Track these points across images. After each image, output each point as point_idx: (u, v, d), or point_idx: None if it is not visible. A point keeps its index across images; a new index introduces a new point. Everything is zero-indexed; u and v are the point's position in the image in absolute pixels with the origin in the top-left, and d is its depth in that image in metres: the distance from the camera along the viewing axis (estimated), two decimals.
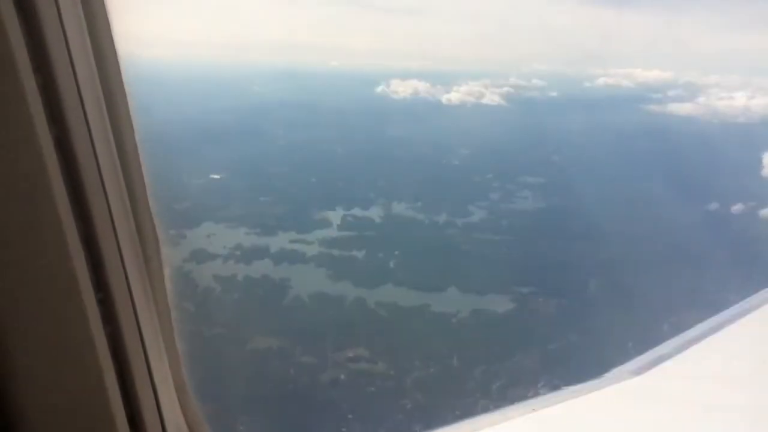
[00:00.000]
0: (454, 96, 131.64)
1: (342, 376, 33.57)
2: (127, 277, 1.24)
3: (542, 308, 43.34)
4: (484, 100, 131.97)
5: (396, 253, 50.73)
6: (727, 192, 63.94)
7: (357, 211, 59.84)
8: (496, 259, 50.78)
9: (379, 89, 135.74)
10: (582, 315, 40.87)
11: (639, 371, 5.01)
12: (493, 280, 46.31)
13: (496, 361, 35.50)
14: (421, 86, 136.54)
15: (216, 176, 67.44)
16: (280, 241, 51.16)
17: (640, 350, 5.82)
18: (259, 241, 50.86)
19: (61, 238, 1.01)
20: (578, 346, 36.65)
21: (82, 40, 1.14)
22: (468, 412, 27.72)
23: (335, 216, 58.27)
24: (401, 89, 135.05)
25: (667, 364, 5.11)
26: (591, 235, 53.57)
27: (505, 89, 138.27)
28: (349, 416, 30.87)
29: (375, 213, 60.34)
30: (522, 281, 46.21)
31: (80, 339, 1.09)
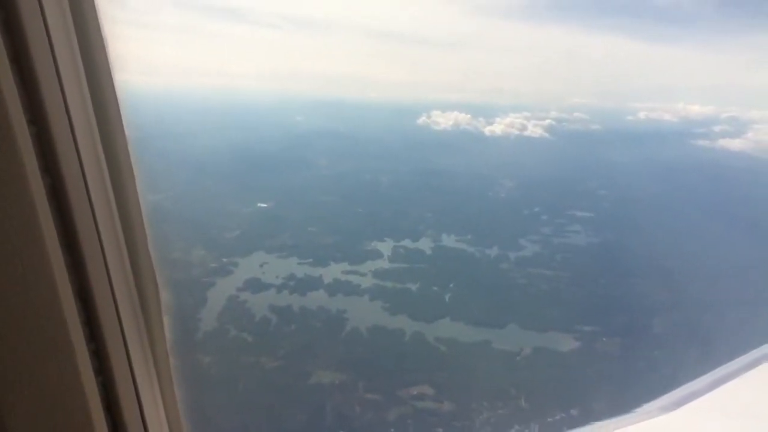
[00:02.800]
0: (496, 128, 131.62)
1: (408, 415, 32.34)
2: (122, 327, 1.21)
3: (607, 348, 41.63)
4: (527, 133, 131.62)
5: (450, 286, 49.62)
6: None
7: (407, 243, 59.02)
8: (554, 296, 49.23)
9: (421, 120, 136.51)
10: (649, 356, 39.17)
11: (669, 408, 4.68)
12: (553, 317, 44.81)
13: (566, 404, 33.91)
14: (462, 118, 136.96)
15: (263, 205, 67.64)
16: (333, 272, 50.54)
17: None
18: (312, 272, 50.30)
19: (53, 290, 0.98)
20: (649, 389, 34.92)
21: (80, 90, 1.09)
22: None
23: (385, 247, 57.49)
24: (442, 120, 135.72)
25: (699, 401, 4.80)
26: (649, 272, 51.81)
27: (548, 122, 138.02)
28: None
29: (425, 245, 59.42)
30: (583, 319, 44.54)
31: (71, 390, 1.06)
